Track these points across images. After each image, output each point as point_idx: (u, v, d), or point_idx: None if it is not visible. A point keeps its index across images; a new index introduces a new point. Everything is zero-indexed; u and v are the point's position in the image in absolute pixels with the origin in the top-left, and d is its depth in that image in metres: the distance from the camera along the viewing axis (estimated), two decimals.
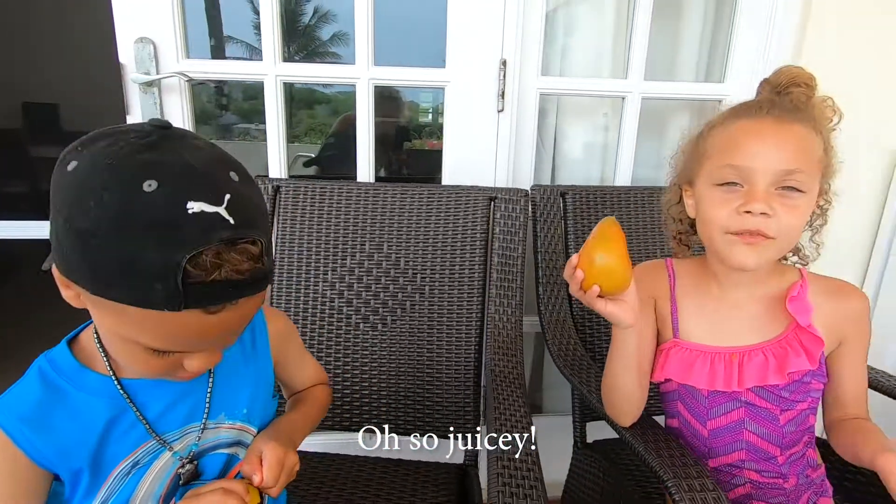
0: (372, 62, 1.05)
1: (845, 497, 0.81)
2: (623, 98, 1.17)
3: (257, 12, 0.99)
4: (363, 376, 1.01)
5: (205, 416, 0.53)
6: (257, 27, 1.04)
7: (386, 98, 2.24)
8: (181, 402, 0.51)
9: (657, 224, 1.11)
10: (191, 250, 0.36)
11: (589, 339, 1.06)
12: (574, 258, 0.58)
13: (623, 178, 1.21)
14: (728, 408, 0.69)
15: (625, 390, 0.68)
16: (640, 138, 1.19)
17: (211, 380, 0.54)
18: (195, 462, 0.52)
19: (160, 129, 0.40)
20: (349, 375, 1.01)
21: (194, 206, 0.37)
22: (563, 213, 1.09)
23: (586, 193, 1.10)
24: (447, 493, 0.88)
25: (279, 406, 0.65)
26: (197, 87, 1.17)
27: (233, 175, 0.41)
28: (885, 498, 0.77)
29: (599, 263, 0.56)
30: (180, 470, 0.51)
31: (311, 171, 2.06)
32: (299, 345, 0.70)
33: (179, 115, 1.03)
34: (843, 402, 0.69)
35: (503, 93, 1.08)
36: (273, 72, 1.03)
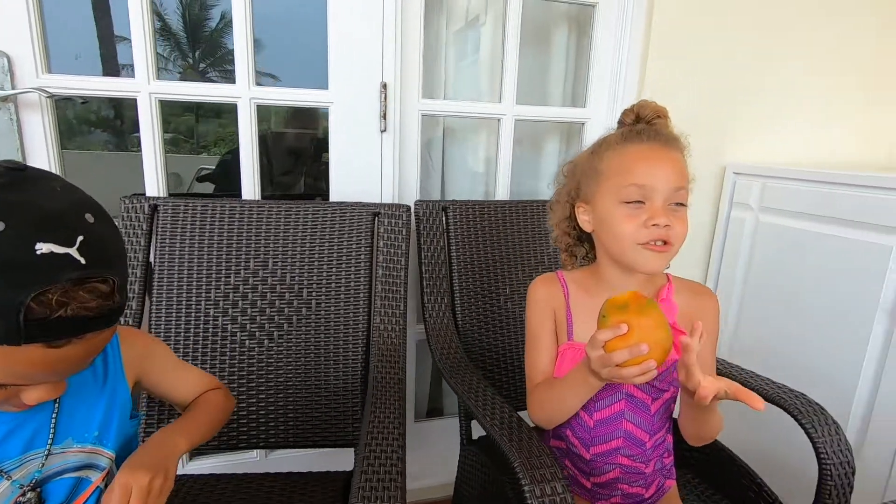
0: (253, 82, 1.07)
1: (692, 471, 0.94)
2: (499, 120, 1.28)
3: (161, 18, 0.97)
4: (250, 393, 1.01)
5: (49, 441, 0.52)
6: (164, 34, 1.02)
7: (304, 111, 2.22)
8: (20, 429, 0.50)
9: (535, 235, 1.22)
10: (35, 289, 0.39)
11: (470, 345, 1.14)
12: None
13: (502, 193, 1.32)
14: (612, 400, 0.77)
15: (574, 411, 0.76)
16: (522, 155, 1.31)
17: (56, 405, 0.53)
18: (38, 489, 0.51)
19: (13, 172, 0.42)
20: (235, 394, 1.00)
21: (43, 248, 0.39)
22: (445, 227, 1.17)
23: (466, 207, 1.18)
24: (333, 500, 0.91)
25: (142, 425, 0.65)
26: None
27: (88, 217, 0.43)
28: (721, 468, 0.92)
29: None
30: (20, 498, 0.50)
31: (206, 186, 1.99)
32: (171, 360, 0.70)
33: (40, 132, 0.98)
34: None
35: (385, 114, 1.14)
36: (146, 89, 1.01)
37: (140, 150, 1.06)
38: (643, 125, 0.75)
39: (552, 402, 0.77)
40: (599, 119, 1.34)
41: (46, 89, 0.94)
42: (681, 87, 1.34)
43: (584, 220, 0.78)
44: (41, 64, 0.95)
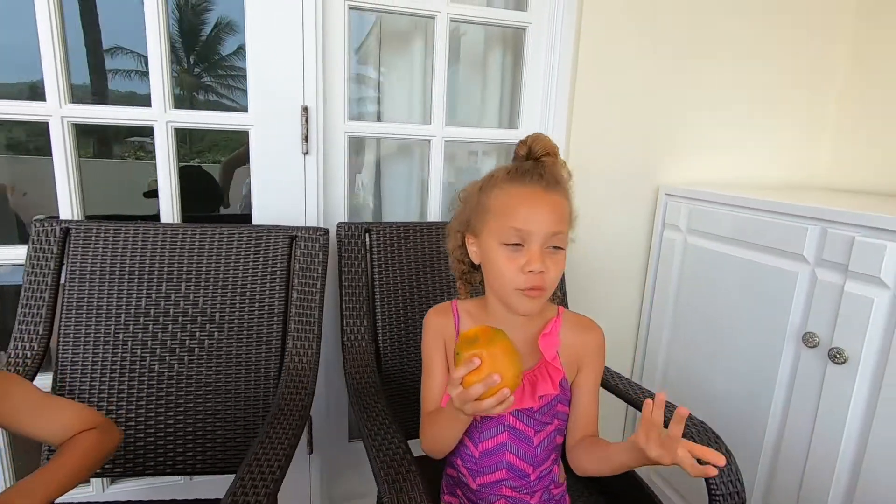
0: (171, 105, 1.07)
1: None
2: (429, 142, 1.29)
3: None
4: (158, 419, 1.00)
5: None
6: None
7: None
8: None
9: None
10: None
11: (391, 369, 1.14)
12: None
13: (434, 214, 1.32)
14: (494, 432, 0.78)
15: (456, 441, 0.76)
16: (461, 176, 1.31)
17: None
18: None
19: None
20: (143, 419, 1.00)
21: None
22: (367, 248, 1.17)
23: (390, 229, 1.19)
24: None
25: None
26: None
27: None
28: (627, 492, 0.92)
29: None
30: None
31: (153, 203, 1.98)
32: (32, 399, 0.68)
33: None
34: (580, 424, 0.81)
35: (307, 136, 1.14)
36: (59, 113, 1.01)
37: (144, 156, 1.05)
38: (531, 162, 0.75)
39: (434, 433, 0.78)
40: None
41: None
42: (610, 108, 1.36)
43: (473, 251, 0.79)
44: None
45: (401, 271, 1.18)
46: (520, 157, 0.77)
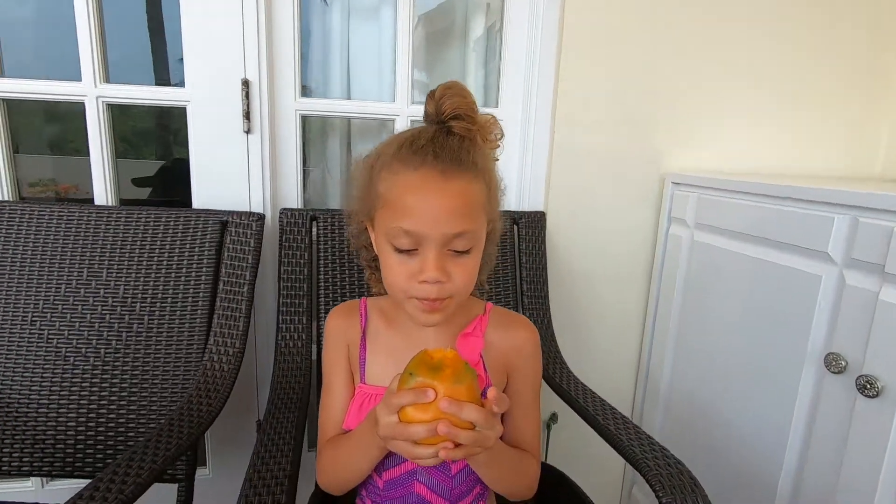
0: (101, 79, 1.00)
1: None
2: (393, 121, 1.15)
3: None
4: (70, 416, 0.92)
5: None
6: None
7: None
8: None
9: None
10: None
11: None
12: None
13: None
14: (401, 457, 0.64)
15: (364, 475, 0.63)
16: None
17: None
18: None
19: None
20: (54, 415, 0.92)
21: None
22: (313, 239, 1.05)
23: (340, 217, 1.06)
24: None
25: None
26: None
27: None
28: None
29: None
30: None
31: (144, 191, 1.96)
32: None
33: None
34: (510, 442, 0.66)
35: (248, 113, 1.04)
36: None
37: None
38: (430, 132, 0.57)
39: (339, 464, 0.63)
40: (515, 119, 1.18)
41: None
42: (605, 86, 1.17)
43: (372, 238, 0.64)
44: None
45: (350, 266, 1.05)
46: (428, 116, 0.60)
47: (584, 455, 1.28)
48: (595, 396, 0.92)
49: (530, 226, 1.16)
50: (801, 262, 0.84)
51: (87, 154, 1.04)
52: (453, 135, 0.57)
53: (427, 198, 0.54)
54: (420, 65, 1.30)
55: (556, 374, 1.01)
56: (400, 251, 0.56)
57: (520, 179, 1.19)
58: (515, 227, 1.15)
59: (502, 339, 0.67)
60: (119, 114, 1.10)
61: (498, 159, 0.63)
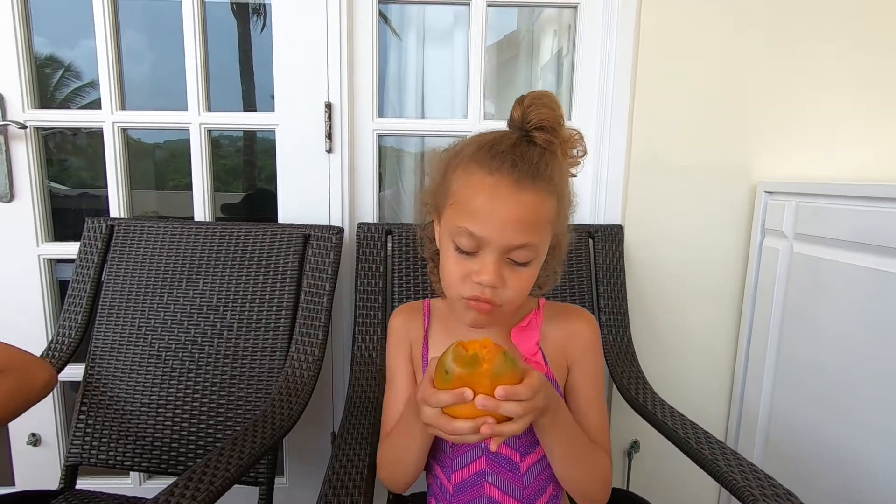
0: (204, 108, 1.11)
1: None
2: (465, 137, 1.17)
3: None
4: (174, 419, 0.99)
5: None
6: None
7: None
8: None
9: None
10: None
11: None
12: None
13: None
14: (469, 458, 0.63)
15: (417, 465, 0.63)
16: None
17: None
18: None
19: None
20: (163, 418, 0.99)
21: None
22: (389, 252, 1.07)
23: (414, 231, 1.08)
24: None
25: None
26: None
27: None
28: None
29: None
30: None
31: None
32: None
33: (25, 158, 1.10)
34: (588, 435, 0.63)
35: (330, 134, 1.10)
36: (110, 119, 1.10)
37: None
38: (513, 138, 0.56)
39: (393, 453, 0.63)
40: (588, 133, 1.16)
41: (24, 122, 1.07)
42: (686, 94, 1.12)
43: (437, 233, 0.64)
44: (28, 100, 1.09)
45: (424, 278, 1.06)
46: (513, 121, 0.59)
47: (671, 485, 1.18)
48: (685, 419, 0.85)
49: (607, 240, 1.12)
50: None
51: (189, 187, 1.14)
52: (535, 145, 0.56)
53: (496, 204, 0.53)
54: (490, 93, 1.32)
55: (640, 394, 0.94)
56: (460, 251, 0.56)
57: (594, 192, 1.15)
58: (591, 240, 1.12)
59: (558, 329, 0.65)
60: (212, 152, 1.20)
61: (575, 176, 0.62)
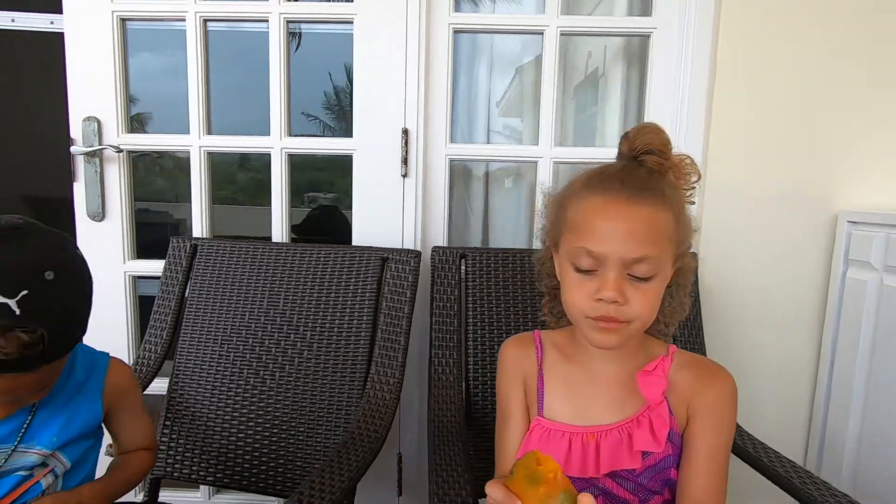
0: (286, 133, 1.15)
1: None
2: (536, 163, 1.18)
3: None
4: (249, 436, 1.01)
5: (17, 440, 0.60)
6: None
7: None
8: None
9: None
10: None
11: (481, 408, 1.01)
12: None
13: (539, 240, 1.19)
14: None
15: None
16: None
17: (33, 410, 0.61)
18: None
19: (6, 230, 0.51)
20: (241, 435, 1.01)
21: None
22: (462, 275, 1.08)
23: (488, 255, 1.09)
24: None
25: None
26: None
27: (48, 274, 0.50)
28: None
29: None
30: None
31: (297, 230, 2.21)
32: (137, 403, 0.75)
33: (116, 180, 1.16)
34: (687, 495, 0.61)
35: (406, 159, 1.13)
36: (197, 143, 1.15)
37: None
38: (621, 163, 0.60)
39: None
40: None
41: (119, 146, 1.12)
42: (761, 120, 1.11)
43: (556, 266, 0.65)
44: (122, 125, 1.15)
45: (497, 302, 1.06)
46: (621, 155, 0.62)
47: None
48: (767, 448, 0.83)
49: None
50: None
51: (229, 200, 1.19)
52: (644, 167, 0.58)
53: (609, 219, 0.55)
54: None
55: None
56: (580, 271, 0.57)
57: None
58: None
59: (689, 383, 0.62)
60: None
61: (694, 202, 0.62)
